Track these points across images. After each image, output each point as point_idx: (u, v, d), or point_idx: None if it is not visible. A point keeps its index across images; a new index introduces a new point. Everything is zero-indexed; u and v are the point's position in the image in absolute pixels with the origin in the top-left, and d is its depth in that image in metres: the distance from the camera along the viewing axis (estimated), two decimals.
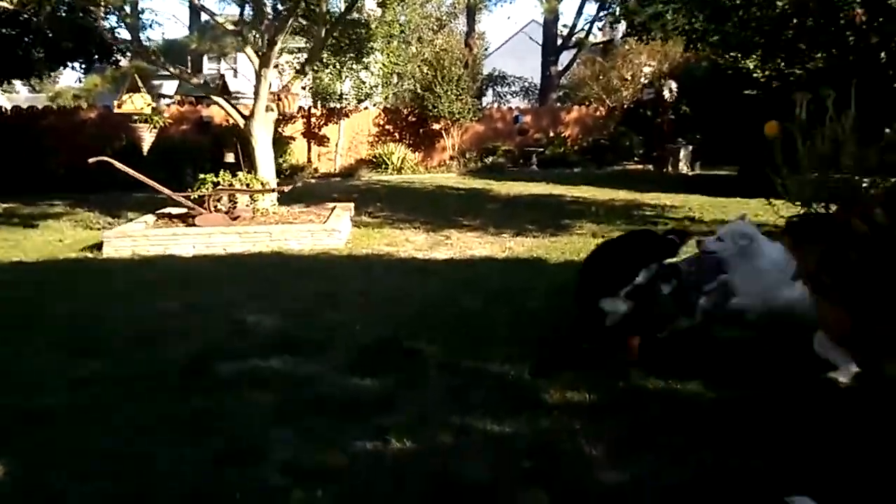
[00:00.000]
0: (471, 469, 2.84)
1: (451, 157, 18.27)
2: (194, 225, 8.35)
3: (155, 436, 3.19)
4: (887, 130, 3.39)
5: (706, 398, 3.49)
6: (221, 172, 8.84)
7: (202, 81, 12.85)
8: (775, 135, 3.40)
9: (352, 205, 9.59)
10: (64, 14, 10.68)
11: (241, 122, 9.49)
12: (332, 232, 7.99)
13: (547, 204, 11.04)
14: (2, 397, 3.61)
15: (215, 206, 8.60)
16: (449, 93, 17.61)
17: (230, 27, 9.98)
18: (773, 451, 2.93)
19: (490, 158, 18.12)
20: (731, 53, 11.70)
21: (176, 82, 17.42)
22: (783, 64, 10.79)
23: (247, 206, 8.74)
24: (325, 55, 15.02)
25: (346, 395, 3.59)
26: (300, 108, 16.81)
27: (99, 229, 8.98)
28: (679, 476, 2.76)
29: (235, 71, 22.19)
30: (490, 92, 24.30)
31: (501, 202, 11.55)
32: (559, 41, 23.21)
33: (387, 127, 18.56)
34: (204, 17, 12.57)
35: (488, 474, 2.79)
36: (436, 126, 18.20)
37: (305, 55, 13.75)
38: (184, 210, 8.77)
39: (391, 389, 3.63)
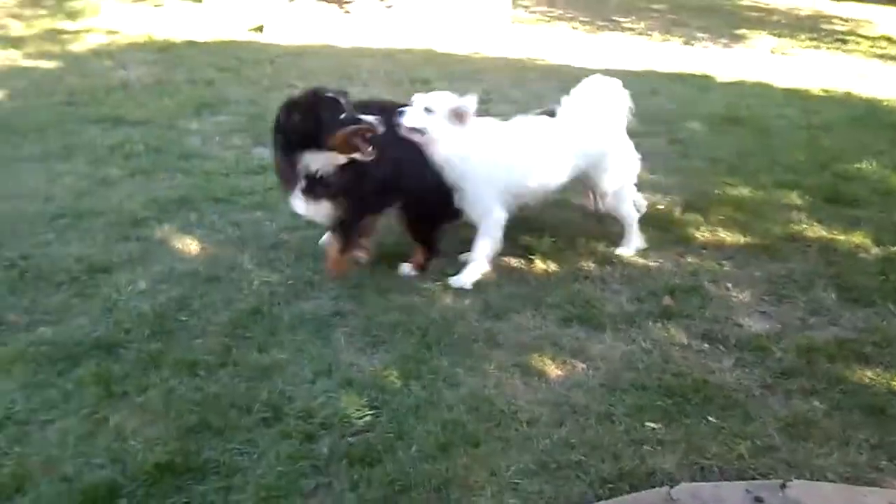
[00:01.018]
0: (609, 299, 2.93)
1: None
2: (348, 12, 8.35)
3: (320, 228, 3.43)
4: None
5: (871, 253, 3.32)
6: None
7: None
8: None
9: None
10: None
11: None
12: (486, 29, 7.73)
13: (720, 8, 9.99)
14: (196, 179, 4.00)
15: None
16: None
17: None
18: None
19: None
20: None
21: None
22: None
23: None
24: None
25: None
26: None
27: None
28: (824, 332, 2.73)
29: None
30: None
31: (670, 2, 10.54)
32: None
33: None
34: None
35: (628, 306, 2.88)
36: None
37: None
38: None
39: (538, 213, 3.65)
